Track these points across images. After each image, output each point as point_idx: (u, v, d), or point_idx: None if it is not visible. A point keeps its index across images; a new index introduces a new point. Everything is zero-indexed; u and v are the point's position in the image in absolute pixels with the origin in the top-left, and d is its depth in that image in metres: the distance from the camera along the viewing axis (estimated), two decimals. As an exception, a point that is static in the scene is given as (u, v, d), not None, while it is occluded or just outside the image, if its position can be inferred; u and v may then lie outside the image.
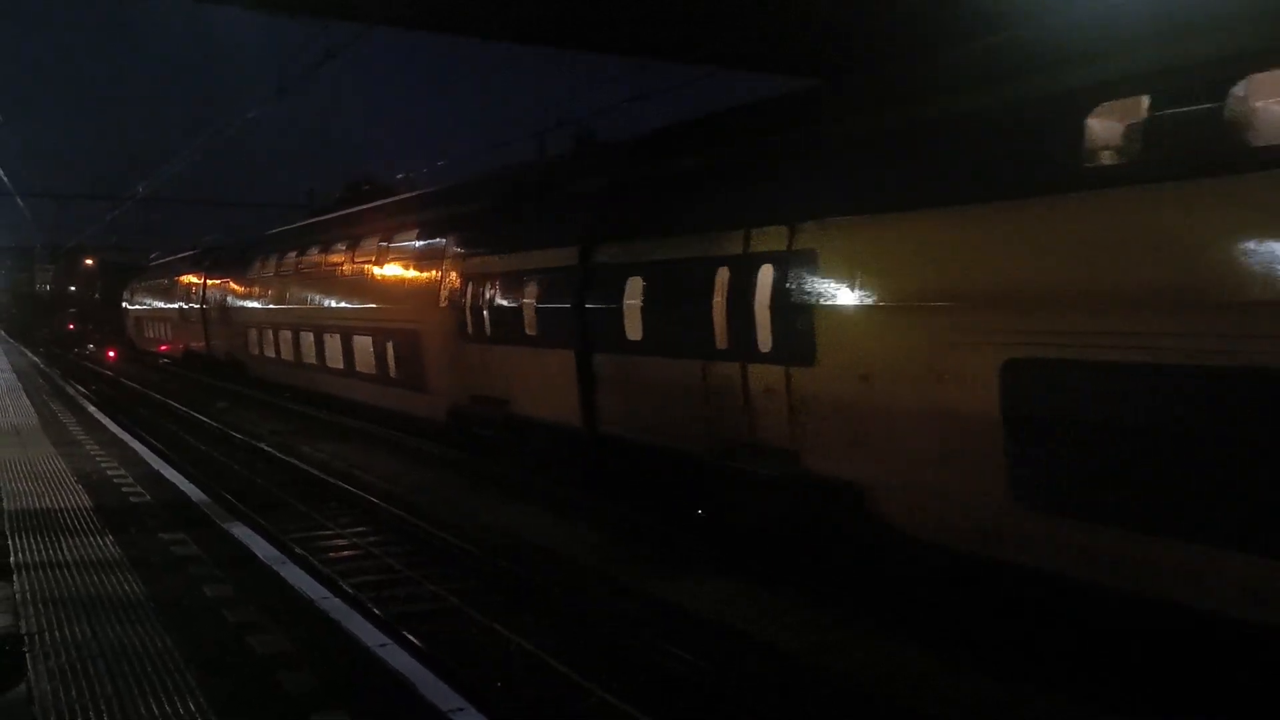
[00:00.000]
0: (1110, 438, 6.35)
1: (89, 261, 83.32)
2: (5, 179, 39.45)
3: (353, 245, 19.79)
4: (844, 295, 8.27)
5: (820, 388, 8.53)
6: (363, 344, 18.51)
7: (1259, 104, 6.15)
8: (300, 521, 12.73)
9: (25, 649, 5.75)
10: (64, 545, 8.26)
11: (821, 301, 8.44)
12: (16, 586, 7.04)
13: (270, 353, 24.40)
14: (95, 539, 8.51)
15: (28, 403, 20.86)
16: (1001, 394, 6.93)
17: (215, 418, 23.25)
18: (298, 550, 10.74)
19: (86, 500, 10.23)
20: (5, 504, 9.92)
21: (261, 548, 8.41)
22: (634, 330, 10.90)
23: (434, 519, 12.36)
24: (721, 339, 9.62)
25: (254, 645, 5.87)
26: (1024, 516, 6.95)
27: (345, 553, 11.39)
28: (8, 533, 8.67)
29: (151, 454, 13.95)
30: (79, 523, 9.14)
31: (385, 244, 18.10)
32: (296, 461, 16.82)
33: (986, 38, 8.40)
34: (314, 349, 21.24)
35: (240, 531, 9.00)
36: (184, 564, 7.75)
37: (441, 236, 15.78)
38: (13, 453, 13.41)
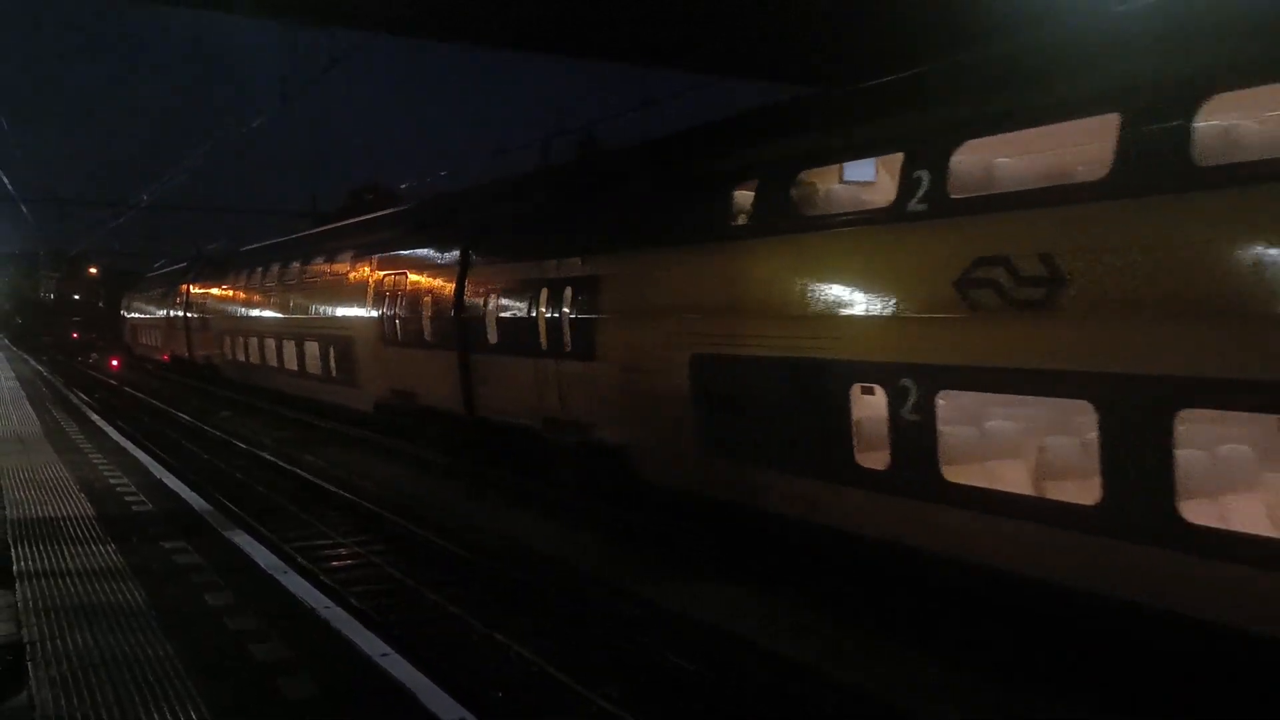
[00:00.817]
0: (742, 405, 9.74)
1: (93, 269, 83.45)
2: (9, 185, 39.58)
3: (304, 263, 23.38)
4: (613, 308, 11.58)
5: (601, 377, 11.78)
6: (310, 349, 22.16)
7: (811, 189, 9.61)
8: (301, 529, 12.76)
9: (27, 657, 5.76)
10: (66, 553, 8.28)
11: (600, 312, 11.75)
12: (19, 594, 7.05)
13: (241, 356, 28.11)
14: (97, 547, 8.52)
15: (31, 410, 20.90)
16: (690, 378, 10.27)
17: (217, 426, 23.29)
18: (298, 558, 10.76)
19: (89, 508, 10.25)
20: (8, 512, 9.94)
21: (262, 556, 8.40)
22: (493, 336, 14.25)
23: (434, 526, 12.38)
24: (543, 341, 12.84)
25: (255, 653, 5.88)
26: (708, 461, 10.30)
27: (346, 560, 11.41)
28: (10, 541, 8.68)
29: (153, 462, 13.97)
30: (81, 531, 9.16)
31: (328, 264, 21.57)
32: (297, 469, 16.85)
33: (693, 126, 11.79)
34: (274, 353, 25.01)
35: (241, 539, 9.01)
36: (185, 572, 7.76)
37: (368, 257, 19.30)
38: (16, 460, 13.44)
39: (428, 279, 16.38)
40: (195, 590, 7.23)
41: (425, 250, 16.87)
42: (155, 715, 4.98)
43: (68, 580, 7.44)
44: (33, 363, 43.86)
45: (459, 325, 15.06)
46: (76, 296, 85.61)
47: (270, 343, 25.21)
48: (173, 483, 12.06)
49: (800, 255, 9.06)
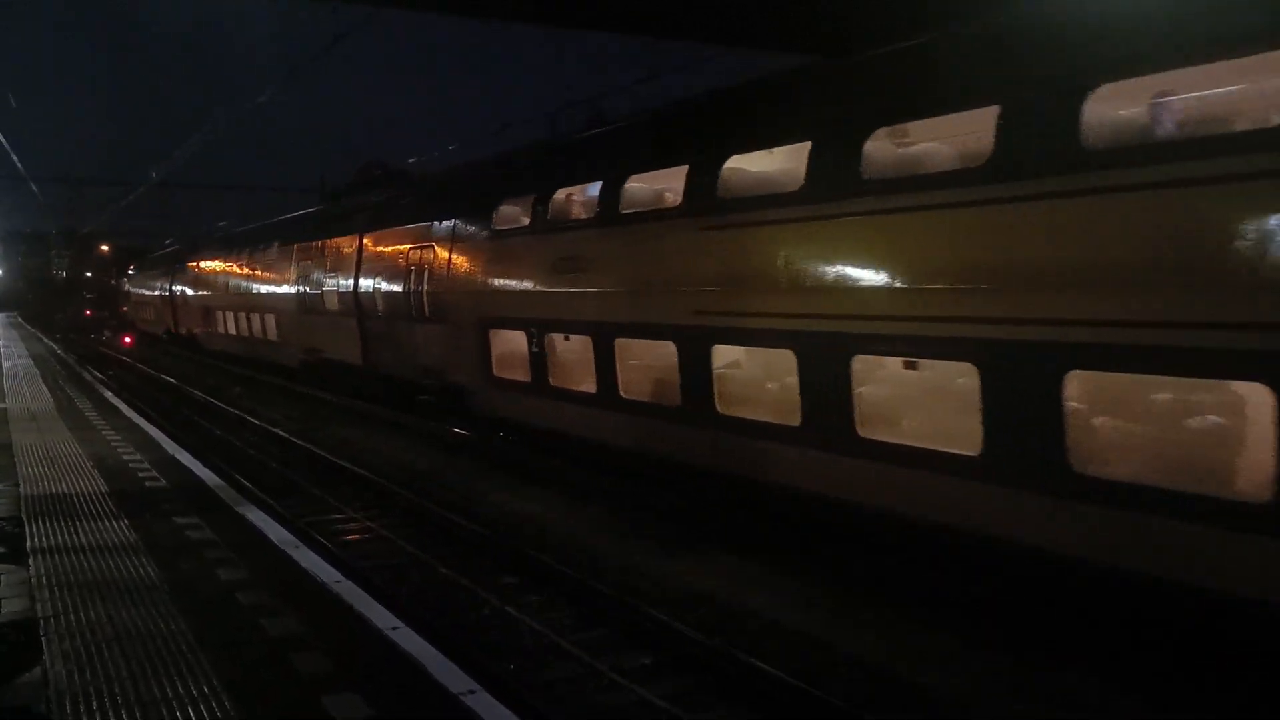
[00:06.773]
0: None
1: (104, 247, 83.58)
2: (19, 164, 39.63)
3: (171, 265, 43.95)
4: (190, 297, 39.08)
5: (185, 314, 39.36)
6: (148, 310, 48.63)
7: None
8: (314, 505, 12.81)
9: (41, 632, 5.80)
10: (80, 530, 8.33)
11: (187, 299, 39.24)
12: (33, 570, 7.09)
13: (144, 315, 51.78)
14: (110, 523, 8.57)
15: (45, 388, 21.01)
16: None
17: (231, 403, 23.39)
18: (311, 534, 10.80)
19: (102, 485, 10.30)
20: (22, 489, 9.99)
21: (275, 531, 8.43)
22: (194, 310, 37.47)
23: (446, 502, 12.42)
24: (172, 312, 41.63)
25: (267, 628, 5.90)
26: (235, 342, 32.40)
27: (358, 536, 11.46)
28: (24, 517, 8.73)
29: (167, 439, 14.01)
30: (95, 507, 9.20)
31: (154, 271, 46.93)
32: (311, 446, 16.91)
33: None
34: (141, 309, 51.83)
35: (254, 515, 9.04)
36: (198, 548, 7.79)
37: (165, 272, 42.85)
38: (30, 438, 13.51)
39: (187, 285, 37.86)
40: (208, 565, 7.26)
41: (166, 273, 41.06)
42: (169, 689, 5.00)
43: (81, 556, 7.48)
44: (46, 341, 44.07)
45: (171, 305, 38.80)
46: (89, 274, 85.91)
47: (142, 306, 51.85)
48: (186, 459, 12.10)
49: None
